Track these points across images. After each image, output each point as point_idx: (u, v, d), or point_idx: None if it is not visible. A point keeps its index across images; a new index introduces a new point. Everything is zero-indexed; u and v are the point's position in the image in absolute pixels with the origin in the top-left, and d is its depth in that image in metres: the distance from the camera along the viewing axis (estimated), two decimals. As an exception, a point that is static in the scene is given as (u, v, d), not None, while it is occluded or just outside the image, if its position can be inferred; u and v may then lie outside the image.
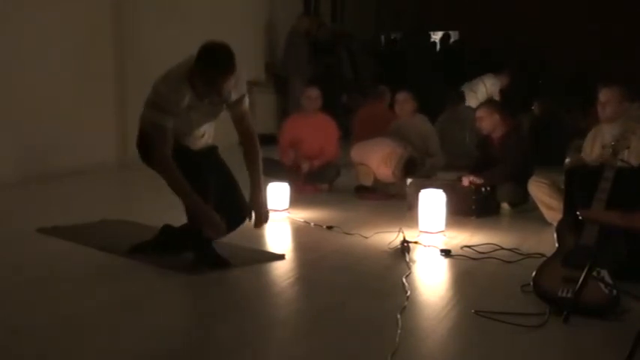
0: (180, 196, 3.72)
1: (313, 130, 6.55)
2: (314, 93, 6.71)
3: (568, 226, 3.40)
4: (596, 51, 13.15)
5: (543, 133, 7.97)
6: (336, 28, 12.68)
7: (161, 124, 3.69)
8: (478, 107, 5.93)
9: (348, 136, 8.08)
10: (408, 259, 4.04)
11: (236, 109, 3.98)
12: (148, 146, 3.76)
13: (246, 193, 4.07)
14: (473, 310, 3.14)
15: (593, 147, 4.80)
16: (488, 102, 5.89)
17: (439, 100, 9.19)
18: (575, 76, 12.86)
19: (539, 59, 13.33)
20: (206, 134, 4.03)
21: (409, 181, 5.69)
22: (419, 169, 6.09)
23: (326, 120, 6.70)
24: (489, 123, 5.62)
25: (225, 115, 4.08)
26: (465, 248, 4.30)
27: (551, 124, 8.33)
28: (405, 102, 6.72)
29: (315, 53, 11.06)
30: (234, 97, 3.89)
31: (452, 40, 14.51)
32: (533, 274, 3.30)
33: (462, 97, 8.71)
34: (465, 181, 5.35)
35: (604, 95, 4.65)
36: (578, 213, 3.17)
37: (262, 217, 3.94)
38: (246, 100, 4.00)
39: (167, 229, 4.17)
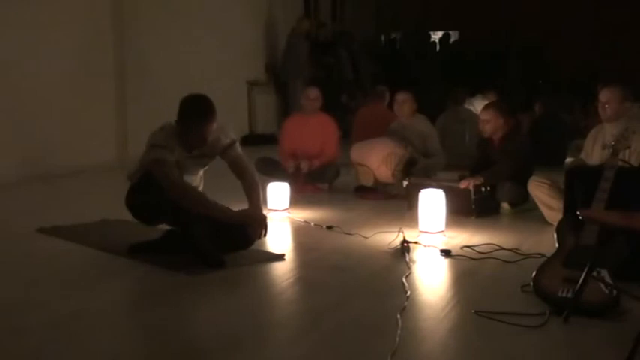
0: (210, 212, 3.85)
1: (313, 130, 6.54)
2: (313, 93, 6.70)
3: (568, 226, 3.40)
4: (596, 51, 13.15)
5: (543, 133, 7.97)
6: (336, 28, 12.69)
7: (162, 157, 3.84)
8: (482, 109, 5.87)
9: (348, 137, 8.08)
10: (408, 259, 4.04)
11: (229, 155, 4.12)
12: (158, 183, 3.82)
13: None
14: (473, 310, 3.14)
15: (594, 147, 4.80)
16: (493, 105, 5.82)
17: (439, 100, 9.19)
18: (575, 76, 12.87)
19: (539, 59, 13.33)
20: (195, 183, 4.17)
21: (409, 181, 5.69)
22: (415, 169, 6.08)
23: (326, 120, 6.69)
24: (493, 126, 5.58)
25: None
26: (465, 248, 4.30)
27: (551, 124, 8.32)
28: (404, 102, 6.70)
29: (315, 54, 11.06)
30: (224, 141, 4.05)
31: (452, 40, 14.51)
32: (533, 274, 3.30)
33: (462, 98, 8.70)
34: (464, 184, 5.33)
35: (604, 95, 4.65)
36: (578, 213, 3.17)
37: (262, 227, 3.97)
38: (238, 146, 4.15)
39: (170, 234, 4.17)
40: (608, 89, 4.66)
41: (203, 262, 3.85)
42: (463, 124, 8.15)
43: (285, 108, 10.69)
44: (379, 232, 4.65)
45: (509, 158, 5.39)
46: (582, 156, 4.99)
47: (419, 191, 4.83)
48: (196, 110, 3.92)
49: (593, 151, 4.80)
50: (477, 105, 8.93)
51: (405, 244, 4.24)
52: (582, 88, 11.75)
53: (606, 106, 4.64)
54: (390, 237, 4.46)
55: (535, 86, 12.65)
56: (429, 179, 5.98)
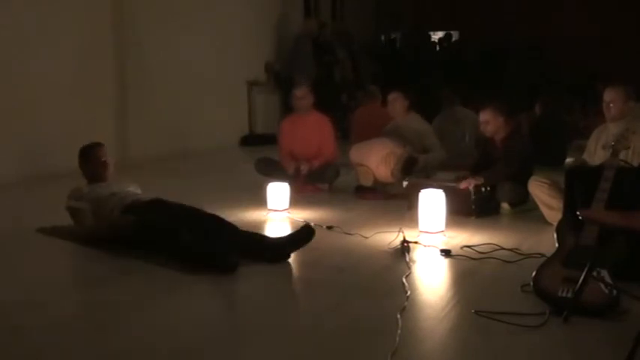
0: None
1: (309, 130, 6.53)
2: (299, 92, 6.70)
3: (568, 226, 3.40)
4: (597, 51, 13.14)
5: (543, 133, 7.97)
6: (335, 28, 12.67)
7: (73, 207, 4.59)
8: (481, 111, 5.84)
9: (348, 137, 8.08)
10: (408, 259, 4.04)
11: None
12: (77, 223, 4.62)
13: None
14: (473, 310, 3.13)
15: (597, 146, 4.81)
16: (491, 105, 5.79)
17: (439, 101, 9.17)
18: (575, 76, 12.86)
19: (539, 59, 13.32)
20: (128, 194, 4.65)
21: (408, 181, 5.69)
22: (415, 168, 6.08)
23: (321, 119, 6.68)
24: (494, 126, 5.57)
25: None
26: (465, 248, 4.30)
27: (551, 124, 8.32)
28: (394, 101, 6.71)
29: (315, 53, 11.06)
30: None
31: (453, 39, 14.51)
32: (533, 274, 3.30)
33: (455, 98, 8.66)
34: (464, 185, 5.32)
35: (608, 95, 4.67)
36: (578, 213, 3.17)
37: None
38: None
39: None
40: (612, 89, 4.69)
41: (214, 266, 3.83)
42: (459, 124, 8.13)
43: (287, 108, 10.67)
44: (379, 232, 4.65)
45: (510, 159, 5.39)
46: (585, 155, 4.99)
47: (419, 191, 4.83)
48: (88, 145, 4.87)
49: (596, 151, 4.80)
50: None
51: (405, 244, 4.24)
52: (582, 88, 11.74)
53: (611, 105, 4.66)
54: (390, 237, 4.46)
55: (535, 86, 12.64)
56: (429, 179, 5.98)
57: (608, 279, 3.08)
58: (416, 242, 4.39)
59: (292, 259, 4.19)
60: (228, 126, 10.19)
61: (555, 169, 6.36)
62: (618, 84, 4.73)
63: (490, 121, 5.58)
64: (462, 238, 4.61)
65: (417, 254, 4.20)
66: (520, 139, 5.66)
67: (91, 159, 4.80)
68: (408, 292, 3.42)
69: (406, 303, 3.27)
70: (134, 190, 4.78)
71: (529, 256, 4.08)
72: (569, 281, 3.11)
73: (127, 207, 4.41)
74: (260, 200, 5.53)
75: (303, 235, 4.14)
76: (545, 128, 8.18)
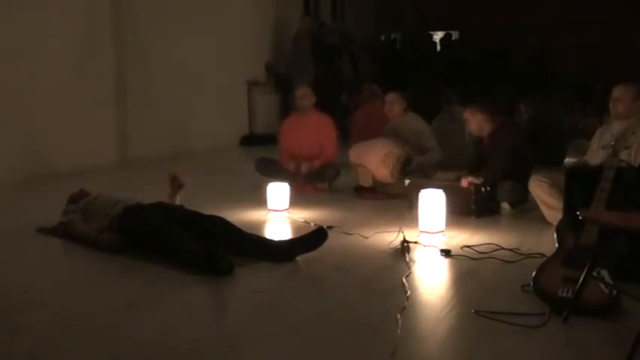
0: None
1: (311, 130, 6.54)
2: (301, 91, 6.71)
3: (568, 226, 3.40)
4: (597, 51, 13.15)
5: (543, 133, 7.96)
6: (336, 28, 12.65)
7: (68, 220, 4.63)
8: (465, 110, 5.84)
9: (347, 137, 8.08)
10: (408, 259, 4.04)
11: None
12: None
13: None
14: (473, 310, 3.14)
15: (599, 145, 4.80)
16: (472, 103, 5.75)
17: (438, 101, 9.17)
18: (575, 76, 12.86)
19: (540, 59, 13.32)
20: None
21: (408, 180, 5.69)
22: (411, 167, 6.08)
23: (323, 119, 6.69)
24: (475, 123, 5.59)
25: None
26: (465, 248, 4.30)
27: (544, 124, 8.31)
28: (392, 102, 6.70)
29: (315, 53, 11.05)
30: None
31: (453, 39, 14.50)
32: (533, 274, 3.30)
33: (455, 98, 8.66)
34: (464, 182, 5.34)
35: (617, 92, 4.67)
36: (578, 213, 3.17)
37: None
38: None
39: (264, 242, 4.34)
40: (621, 86, 4.69)
41: (212, 269, 3.82)
42: (458, 123, 8.13)
43: (287, 108, 10.68)
44: (379, 232, 4.65)
45: (498, 155, 5.40)
46: (587, 155, 4.99)
47: (419, 191, 4.83)
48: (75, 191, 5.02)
49: (599, 150, 4.79)
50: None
51: (405, 244, 4.24)
52: (582, 88, 11.74)
53: (618, 103, 4.67)
54: (390, 237, 4.46)
55: (536, 86, 12.62)
56: (429, 179, 5.98)
57: (608, 279, 3.07)
58: (416, 242, 4.39)
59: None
60: (228, 126, 10.20)
61: (555, 169, 6.36)
62: (628, 82, 4.74)
63: (470, 119, 5.61)
64: (462, 238, 4.61)
65: (417, 254, 4.20)
66: (506, 134, 5.57)
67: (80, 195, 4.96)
68: (408, 292, 3.42)
69: (406, 303, 3.27)
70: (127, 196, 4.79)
71: (529, 256, 4.08)
72: (569, 281, 3.11)
73: (130, 208, 4.39)
74: (260, 200, 5.53)
75: (315, 237, 4.16)
76: (545, 128, 8.17)
